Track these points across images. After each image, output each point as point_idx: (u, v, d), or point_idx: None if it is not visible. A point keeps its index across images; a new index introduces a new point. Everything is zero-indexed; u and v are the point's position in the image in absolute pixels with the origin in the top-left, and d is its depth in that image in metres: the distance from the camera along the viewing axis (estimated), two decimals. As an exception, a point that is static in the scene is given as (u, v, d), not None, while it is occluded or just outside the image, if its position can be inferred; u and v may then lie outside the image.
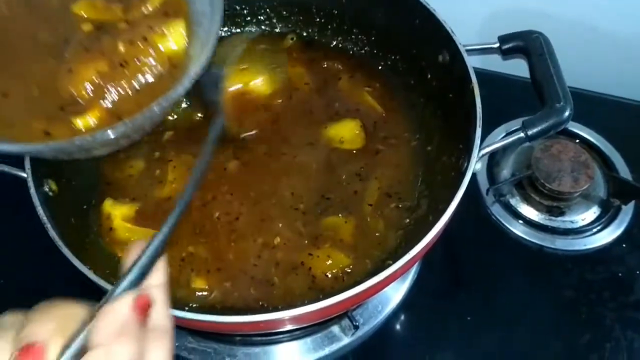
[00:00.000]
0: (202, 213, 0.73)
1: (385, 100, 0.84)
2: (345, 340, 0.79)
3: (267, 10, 0.90)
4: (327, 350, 0.78)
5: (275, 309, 0.65)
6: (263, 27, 0.91)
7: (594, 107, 0.97)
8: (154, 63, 0.53)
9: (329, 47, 0.90)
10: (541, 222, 0.88)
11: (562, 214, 0.88)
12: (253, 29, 0.91)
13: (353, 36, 0.88)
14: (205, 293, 0.69)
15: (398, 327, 0.82)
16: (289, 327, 0.68)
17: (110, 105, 0.51)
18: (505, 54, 0.72)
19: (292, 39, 0.89)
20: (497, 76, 1.00)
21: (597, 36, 0.99)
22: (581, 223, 0.88)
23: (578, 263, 0.85)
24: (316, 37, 0.90)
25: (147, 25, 0.54)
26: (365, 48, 0.88)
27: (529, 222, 0.88)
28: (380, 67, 0.87)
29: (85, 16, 0.56)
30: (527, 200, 0.90)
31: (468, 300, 0.83)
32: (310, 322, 0.68)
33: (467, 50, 0.70)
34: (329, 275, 0.69)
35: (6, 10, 0.56)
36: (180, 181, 0.75)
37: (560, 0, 0.95)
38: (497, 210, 0.88)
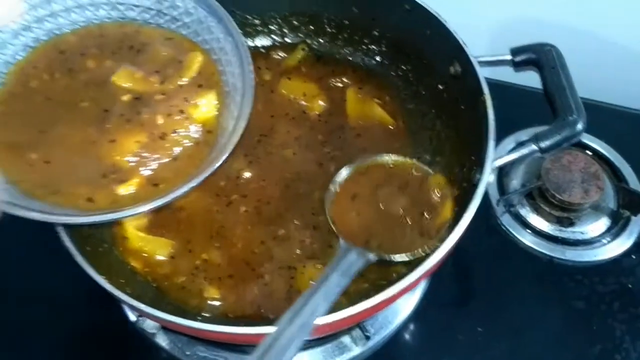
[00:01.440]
0: (223, 215, 0.74)
1: (395, 112, 0.84)
2: (356, 350, 0.79)
3: (279, 20, 0.90)
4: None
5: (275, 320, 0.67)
6: (274, 37, 0.92)
7: (603, 118, 0.97)
8: (189, 132, 0.57)
9: (338, 59, 0.90)
10: (551, 232, 0.88)
11: (572, 224, 0.88)
12: (264, 39, 0.92)
13: (364, 46, 0.89)
14: (217, 303, 0.69)
15: (408, 337, 0.82)
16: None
17: (149, 173, 0.54)
18: (517, 66, 0.73)
19: (303, 49, 0.90)
20: (505, 86, 1.00)
21: (606, 47, 1.00)
22: (591, 234, 0.88)
23: (588, 274, 0.85)
24: (327, 48, 0.91)
25: (182, 98, 0.58)
26: (376, 58, 0.88)
27: (539, 233, 0.88)
28: (390, 78, 0.87)
29: (125, 87, 0.59)
30: (537, 210, 0.90)
31: (478, 310, 0.83)
32: (321, 335, 0.69)
33: (479, 62, 0.71)
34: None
35: (47, 77, 0.59)
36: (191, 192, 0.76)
37: (570, 11, 0.96)
38: (507, 221, 0.89)
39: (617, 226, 0.88)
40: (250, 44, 0.90)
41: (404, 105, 0.85)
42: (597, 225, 0.89)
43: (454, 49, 0.73)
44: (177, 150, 0.56)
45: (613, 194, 0.91)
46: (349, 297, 0.69)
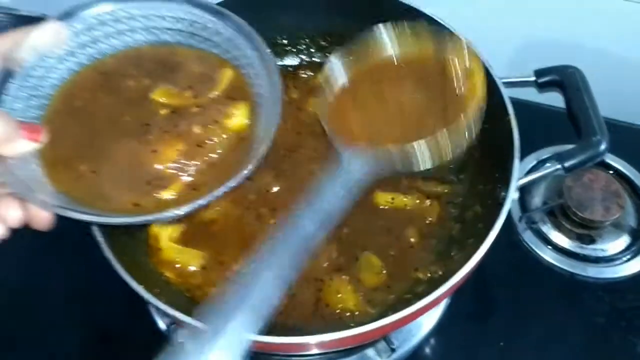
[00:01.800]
0: (252, 228, 0.77)
1: (420, 129, 0.86)
2: (381, 362, 0.81)
3: (307, 40, 0.93)
4: (362, 372, 0.80)
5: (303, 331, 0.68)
6: (302, 56, 0.95)
7: (623, 137, 0.99)
8: (224, 140, 0.61)
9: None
10: (572, 249, 0.90)
11: (592, 242, 0.90)
12: (292, 59, 0.95)
13: (389, 66, 0.91)
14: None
15: (431, 351, 0.84)
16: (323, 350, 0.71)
17: (189, 178, 0.59)
18: (541, 87, 0.75)
19: (329, 68, 0.92)
20: (525, 104, 1.02)
21: (625, 67, 1.02)
22: (612, 251, 0.90)
23: (609, 291, 0.86)
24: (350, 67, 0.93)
25: (216, 109, 0.63)
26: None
27: (560, 250, 0.90)
28: (415, 97, 0.89)
29: (162, 102, 0.63)
30: (559, 227, 0.91)
31: (500, 325, 0.84)
32: (349, 345, 0.70)
33: (504, 83, 0.73)
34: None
35: (90, 97, 0.63)
36: (223, 204, 0.78)
37: (589, 31, 0.98)
38: (528, 237, 0.90)
39: (638, 244, 0.90)
40: (279, 63, 0.93)
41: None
42: (618, 243, 0.90)
43: (478, 70, 0.75)
44: (213, 156, 0.60)
45: (633, 212, 0.93)
46: (375, 307, 0.71)
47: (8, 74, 0.57)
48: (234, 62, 0.66)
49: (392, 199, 0.80)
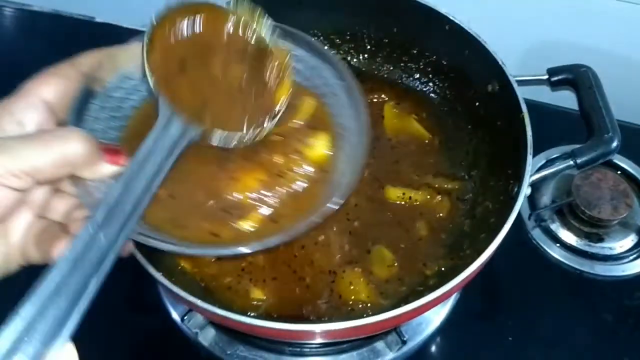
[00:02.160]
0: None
1: (431, 127, 0.88)
2: (390, 355, 0.81)
3: (320, 38, 0.94)
4: (372, 364, 0.81)
5: (318, 320, 0.71)
6: (315, 53, 0.96)
7: (632, 138, 1.00)
8: (305, 171, 0.59)
9: (377, 76, 0.94)
10: (580, 247, 0.91)
11: (600, 240, 0.91)
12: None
13: (402, 64, 0.92)
14: (261, 303, 0.73)
15: (440, 346, 0.85)
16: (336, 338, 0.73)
17: (269, 209, 0.57)
18: (554, 85, 0.76)
19: (343, 65, 0.94)
20: (534, 104, 1.03)
21: (634, 68, 1.03)
22: (619, 250, 0.91)
23: (617, 288, 0.87)
24: (366, 65, 0.95)
25: (297, 138, 0.60)
26: (414, 76, 0.92)
27: (568, 248, 0.91)
28: (428, 95, 0.91)
29: None
30: (567, 226, 0.93)
31: (508, 322, 0.85)
32: (363, 335, 0.71)
33: (517, 81, 0.74)
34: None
35: None
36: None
37: (601, 33, 0.99)
38: (537, 235, 0.91)
39: (645, 243, 0.91)
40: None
41: (441, 121, 0.88)
42: (625, 242, 0.91)
43: (492, 69, 0.76)
44: (294, 187, 0.58)
45: (641, 212, 0.94)
46: (388, 299, 0.73)
47: (90, 94, 0.56)
48: (315, 90, 0.64)
49: (403, 194, 0.81)
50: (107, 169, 0.51)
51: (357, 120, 0.61)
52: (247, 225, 0.56)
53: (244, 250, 0.53)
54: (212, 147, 0.58)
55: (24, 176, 0.45)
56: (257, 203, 0.57)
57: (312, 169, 0.60)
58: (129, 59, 0.59)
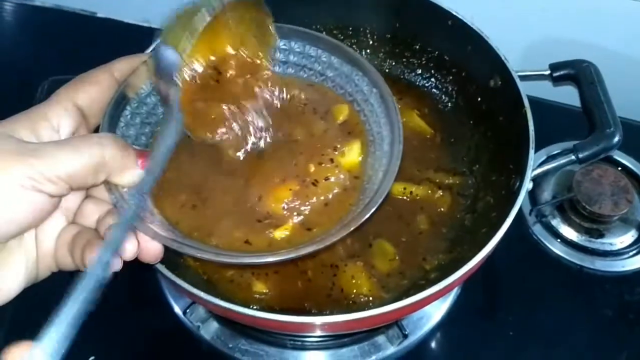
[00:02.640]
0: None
1: (433, 122, 0.88)
2: (391, 349, 0.82)
3: (323, 32, 0.94)
4: (373, 358, 0.81)
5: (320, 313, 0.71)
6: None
7: (632, 134, 1.00)
8: (338, 179, 0.59)
9: (379, 71, 0.94)
10: (581, 243, 0.91)
11: (601, 236, 0.91)
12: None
13: (405, 60, 0.93)
14: (264, 296, 0.73)
15: (441, 341, 0.85)
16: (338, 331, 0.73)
17: (302, 218, 0.57)
18: (556, 81, 0.76)
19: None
20: (535, 101, 1.03)
21: (634, 65, 1.03)
22: (619, 245, 0.91)
23: (617, 284, 0.88)
24: (368, 61, 0.94)
25: (330, 146, 0.60)
26: (417, 71, 0.92)
27: (569, 243, 0.91)
28: (430, 90, 0.91)
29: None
30: (568, 221, 0.93)
31: (509, 316, 0.86)
32: (365, 328, 0.72)
33: (520, 77, 0.74)
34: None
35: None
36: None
37: (603, 30, 0.99)
38: (538, 231, 0.92)
39: (645, 239, 0.92)
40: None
41: (443, 116, 0.89)
42: (626, 237, 0.92)
43: (494, 64, 0.77)
44: (327, 196, 0.58)
45: (641, 208, 0.94)
46: (389, 292, 0.73)
47: (124, 100, 0.57)
48: (347, 97, 0.65)
49: (404, 188, 0.81)
50: (141, 174, 0.51)
51: (390, 127, 0.60)
52: (280, 233, 0.56)
53: (277, 258, 0.52)
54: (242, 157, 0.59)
55: (59, 182, 0.45)
56: (290, 212, 0.57)
57: (344, 177, 0.59)
58: None
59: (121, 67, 0.56)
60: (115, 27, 1.21)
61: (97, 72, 0.55)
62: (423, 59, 0.91)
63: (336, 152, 0.60)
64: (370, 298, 0.73)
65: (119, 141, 0.49)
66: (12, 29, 1.29)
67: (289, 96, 0.63)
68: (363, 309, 0.67)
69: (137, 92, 0.58)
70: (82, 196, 0.53)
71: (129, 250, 0.48)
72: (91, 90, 0.53)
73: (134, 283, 0.88)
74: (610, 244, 0.91)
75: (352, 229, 0.54)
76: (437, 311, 0.86)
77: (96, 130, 0.55)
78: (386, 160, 0.59)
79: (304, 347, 0.81)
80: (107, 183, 0.50)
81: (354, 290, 0.73)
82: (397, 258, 0.76)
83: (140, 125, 0.59)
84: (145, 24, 1.19)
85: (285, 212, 0.57)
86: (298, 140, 0.61)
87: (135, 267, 0.62)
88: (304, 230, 0.56)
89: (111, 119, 0.55)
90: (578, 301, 0.87)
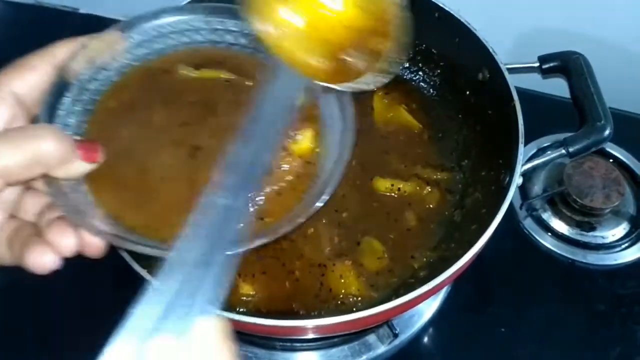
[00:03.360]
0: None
1: (421, 117, 0.87)
2: (381, 349, 0.81)
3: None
4: (364, 358, 0.80)
5: (308, 315, 0.70)
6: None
7: (623, 125, 0.99)
8: (291, 167, 0.58)
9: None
10: (572, 236, 0.90)
11: (592, 229, 0.91)
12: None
13: (391, 53, 0.91)
14: (251, 298, 0.72)
15: (432, 338, 0.84)
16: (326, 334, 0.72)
17: (256, 208, 0.54)
18: (545, 73, 0.75)
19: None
20: (524, 93, 1.02)
21: (624, 55, 1.02)
22: (611, 238, 0.90)
23: (609, 278, 0.87)
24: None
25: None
26: (404, 64, 0.91)
27: (560, 237, 0.90)
28: (417, 84, 0.90)
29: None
30: (559, 215, 0.92)
31: (500, 312, 0.85)
32: (354, 329, 0.71)
33: (508, 69, 0.73)
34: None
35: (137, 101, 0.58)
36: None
37: (593, 20, 0.98)
38: (529, 225, 0.91)
39: (637, 231, 0.90)
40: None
41: (431, 110, 0.87)
42: (617, 230, 0.91)
43: (483, 57, 0.75)
44: (280, 184, 0.57)
45: (633, 200, 0.93)
46: (379, 291, 0.72)
47: (63, 87, 0.54)
48: None
49: (392, 185, 0.80)
50: (82, 167, 0.49)
51: (342, 115, 0.59)
52: None
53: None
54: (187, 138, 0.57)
55: None
56: None
57: (297, 164, 0.58)
58: (104, 49, 0.57)
59: (60, 51, 0.53)
60: (98, 24, 1.18)
61: (34, 57, 0.52)
62: (410, 52, 0.89)
63: (288, 140, 0.58)
64: (359, 298, 0.71)
65: (57, 132, 0.46)
66: (-7, 27, 1.27)
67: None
68: (352, 309, 0.67)
69: (79, 78, 0.55)
70: (21, 189, 0.51)
71: (67, 246, 0.46)
72: (28, 77, 0.50)
73: (120, 278, 0.87)
74: (602, 237, 0.90)
75: (302, 221, 0.52)
76: (427, 309, 0.85)
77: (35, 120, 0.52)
78: (337, 149, 0.57)
79: (293, 349, 0.80)
80: (45, 176, 0.48)
81: (343, 290, 0.72)
82: (385, 256, 0.74)
83: (82, 113, 0.56)
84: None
85: None
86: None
87: (123, 265, 0.61)
88: (257, 220, 0.54)
89: (50, 107, 0.52)
90: (570, 296, 0.86)
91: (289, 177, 0.58)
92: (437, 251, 0.75)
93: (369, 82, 0.55)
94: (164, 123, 0.58)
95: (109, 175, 0.54)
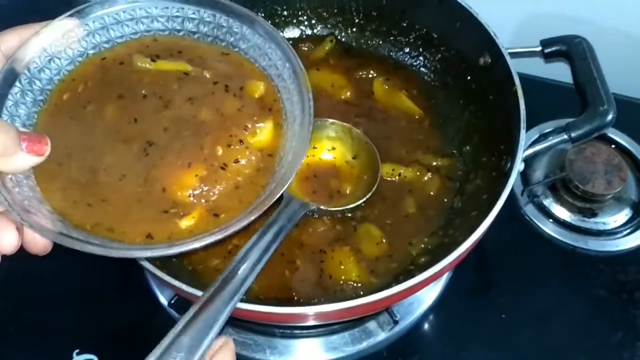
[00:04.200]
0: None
1: (422, 103, 0.86)
2: (382, 335, 0.80)
3: (307, 11, 0.92)
4: (364, 344, 0.80)
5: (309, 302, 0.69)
6: (303, 28, 0.93)
7: (626, 111, 0.98)
8: (249, 160, 0.56)
9: (366, 52, 0.92)
10: (574, 223, 0.90)
11: (594, 215, 0.90)
12: (293, 31, 0.93)
13: (392, 38, 0.90)
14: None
15: (433, 324, 0.84)
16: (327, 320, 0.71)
17: (210, 204, 0.54)
18: (547, 57, 0.74)
19: (331, 40, 0.91)
20: (526, 78, 1.01)
21: (627, 41, 1.01)
22: (613, 225, 0.90)
23: (610, 264, 0.86)
24: (355, 39, 0.92)
25: (241, 127, 0.57)
26: (404, 50, 0.90)
27: (562, 223, 0.90)
28: (418, 69, 0.89)
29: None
30: (560, 201, 0.91)
31: (502, 298, 0.85)
32: (356, 316, 0.70)
33: (510, 54, 0.72)
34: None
35: (91, 95, 0.57)
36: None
37: (595, 5, 0.97)
38: (530, 211, 0.90)
39: (639, 218, 0.90)
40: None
41: (432, 96, 0.87)
42: (619, 217, 0.90)
43: (484, 41, 0.74)
44: (238, 179, 0.55)
45: (635, 186, 0.93)
46: (379, 277, 0.71)
47: (13, 76, 0.53)
48: (264, 72, 0.62)
49: (393, 170, 0.79)
50: (27, 160, 0.47)
51: (302, 107, 0.58)
52: (186, 222, 0.53)
53: (176, 250, 0.50)
54: (141, 132, 0.55)
55: None
56: (196, 200, 0.54)
57: (255, 158, 0.57)
58: (57, 37, 0.55)
59: (9, 39, 0.52)
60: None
61: None
62: (411, 37, 0.88)
63: (246, 132, 0.57)
64: (360, 284, 0.71)
65: (3, 125, 0.45)
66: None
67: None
68: (352, 296, 0.66)
69: (28, 67, 0.54)
70: None
71: (8, 244, 0.45)
72: None
73: (120, 273, 0.86)
74: (604, 223, 0.90)
75: (257, 215, 0.51)
76: (428, 295, 0.84)
77: None
78: (296, 142, 0.56)
79: (293, 336, 0.80)
80: None
81: (343, 277, 0.71)
82: (384, 241, 0.74)
83: (32, 103, 0.55)
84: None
85: (192, 200, 0.53)
86: (205, 121, 0.57)
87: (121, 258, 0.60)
88: (210, 217, 0.53)
89: None
90: (571, 282, 0.86)
91: (248, 171, 0.56)
92: (436, 237, 0.75)
93: None
94: (117, 118, 0.56)
95: (58, 170, 0.53)
